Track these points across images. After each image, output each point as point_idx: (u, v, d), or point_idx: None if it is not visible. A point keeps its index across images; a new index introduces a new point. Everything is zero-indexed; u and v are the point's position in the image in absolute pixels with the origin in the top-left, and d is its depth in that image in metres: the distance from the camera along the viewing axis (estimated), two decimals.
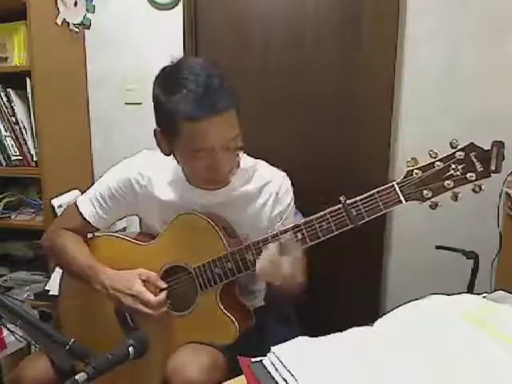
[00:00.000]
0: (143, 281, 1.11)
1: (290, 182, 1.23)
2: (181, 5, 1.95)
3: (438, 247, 1.61)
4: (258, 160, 1.22)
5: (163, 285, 1.12)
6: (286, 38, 1.93)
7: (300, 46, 1.93)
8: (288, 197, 1.20)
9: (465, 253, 1.53)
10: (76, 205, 1.23)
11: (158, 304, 1.09)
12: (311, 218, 0.99)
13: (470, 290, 1.54)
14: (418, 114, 1.85)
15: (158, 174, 1.18)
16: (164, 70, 1.05)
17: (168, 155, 1.13)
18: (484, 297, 0.94)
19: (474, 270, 1.53)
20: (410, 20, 1.79)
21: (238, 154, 1.10)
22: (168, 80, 1.02)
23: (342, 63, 1.91)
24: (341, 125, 1.95)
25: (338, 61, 1.91)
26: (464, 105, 1.81)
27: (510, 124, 1.75)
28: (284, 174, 1.23)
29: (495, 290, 1.01)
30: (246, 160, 1.18)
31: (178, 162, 1.13)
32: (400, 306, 0.82)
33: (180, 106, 0.97)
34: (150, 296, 1.09)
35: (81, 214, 1.21)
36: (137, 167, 1.19)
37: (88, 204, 1.21)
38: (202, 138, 0.99)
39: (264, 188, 1.18)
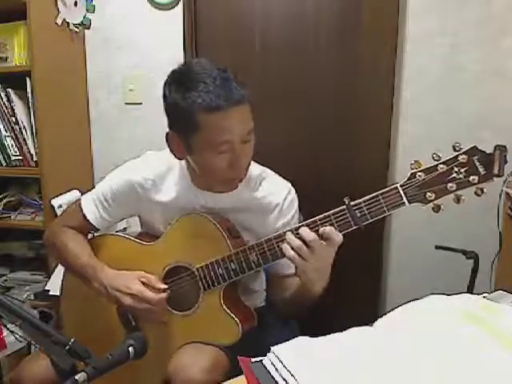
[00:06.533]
0: (143, 283, 1.11)
1: (294, 193, 1.21)
2: (181, 5, 1.95)
3: (437, 247, 1.61)
4: (265, 168, 1.21)
5: (163, 286, 1.12)
6: (286, 38, 1.93)
7: (300, 46, 1.93)
8: (292, 209, 1.19)
9: (465, 253, 1.52)
10: (80, 204, 1.23)
11: (158, 301, 1.09)
12: (315, 218, 0.98)
13: (470, 290, 1.54)
14: (418, 114, 1.85)
15: (163, 176, 1.17)
16: (174, 72, 1.05)
17: (181, 159, 1.12)
18: (484, 297, 0.94)
19: (474, 270, 1.53)
20: (410, 20, 1.79)
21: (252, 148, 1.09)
22: (182, 79, 1.02)
23: (342, 63, 1.91)
24: (341, 125, 1.95)
25: (338, 61, 1.91)
26: (464, 105, 1.81)
27: (510, 124, 1.75)
28: (289, 185, 1.21)
29: (495, 290, 1.01)
30: (253, 167, 1.16)
31: (189, 165, 1.12)
32: (400, 305, 0.82)
33: (199, 100, 0.96)
34: (149, 294, 1.09)
35: (83, 214, 1.21)
36: (141, 171, 1.18)
37: (91, 205, 1.22)
38: (223, 129, 0.99)
39: (268, 199, 1.16)
